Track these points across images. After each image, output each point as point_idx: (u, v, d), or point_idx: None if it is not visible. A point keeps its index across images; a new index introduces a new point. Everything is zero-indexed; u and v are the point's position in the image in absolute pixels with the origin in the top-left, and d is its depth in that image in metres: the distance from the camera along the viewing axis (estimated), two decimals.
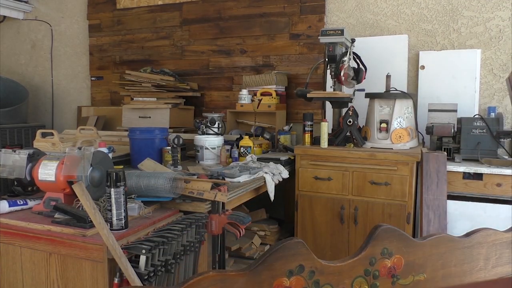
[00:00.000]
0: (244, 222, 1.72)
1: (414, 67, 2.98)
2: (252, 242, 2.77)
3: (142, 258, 1.35)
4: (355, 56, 2.71)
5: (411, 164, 2.33)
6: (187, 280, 0.79)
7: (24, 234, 1.49)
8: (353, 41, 2.68)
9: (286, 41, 3.32)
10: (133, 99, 3.39)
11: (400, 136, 2.45)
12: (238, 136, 2.93)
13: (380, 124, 2.49)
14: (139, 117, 3.30)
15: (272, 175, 2.30)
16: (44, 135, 2.37)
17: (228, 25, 3.50)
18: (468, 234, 1.10)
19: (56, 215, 1.53)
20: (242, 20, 3.45)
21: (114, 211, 1.44)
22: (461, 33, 2.87)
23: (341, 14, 3.17)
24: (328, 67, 2.66)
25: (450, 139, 2.48)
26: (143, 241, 1.40)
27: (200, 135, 2.74)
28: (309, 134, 2.64)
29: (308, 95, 2.63)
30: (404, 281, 1.01)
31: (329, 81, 2.76)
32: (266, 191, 2.27)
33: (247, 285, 0.82)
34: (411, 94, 2.55)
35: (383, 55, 2.98)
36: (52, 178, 1.61)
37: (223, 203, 1.80)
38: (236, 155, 2.62)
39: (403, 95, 2.49)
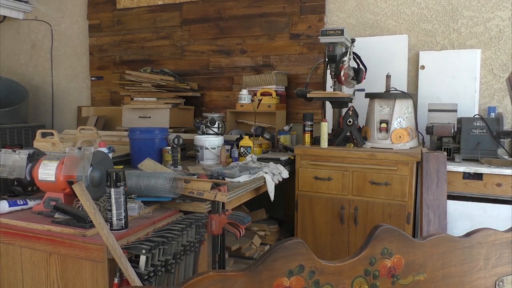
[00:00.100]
0: (244, 222, 1.72)
1: (414, 67, 2.98)
2: (252, 242, 2.77)
3: (142, 258, 1.35)
4: (355, 56, 2.71)
5: (411, 164, 2.33)
6: (187, 280, 0.79)
7: (24, 234, 1.49)
8: (353, 41, 2.68)
9: (286, 41, 3.32)
10: (133, 99, 3.39)
11: (400, 136, 2.45)
12: (238, 136, 2.93)
13: (380, 124, 2.49)
14: (139, 117, 3.31)
15: (272, 175, 2.30)
16: (44, 135, 2.36)
17: (228, 25, 3.50)
18: (468, 234, 1.10)
19: (56, 215, 1.53)
20: (242, 20, 3.45)
21: (114, 211, 1.44)
22: (461, 33, 2.87)
23: (341, 14, 3.17)
24: (328, 67, 2.66)
25: (450, 139, 2.48)
26: (143, 241, 1.40)
27: (200, 135, 2.74)
28: (309, 134, 2.64)
29: (308, 95, 2.63)
30: (404, 281, 1.01)
31: (329, 81, 2.76)
32: (266, 191, 2.27)
33: (247, 285, 0.82)
34: (411, 94, 2.55)
35: (383, 55, 2.98)
36: (52, 178, 1.61)
37: (223, 203, 1.80)
38: (236, 155, 2.62)
39: (403, 95, 2.49)
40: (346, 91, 2.79)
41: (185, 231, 1.53)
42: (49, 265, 1.47)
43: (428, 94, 2.88)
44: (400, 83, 2.90)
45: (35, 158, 1.72)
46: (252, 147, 2.65)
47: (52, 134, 2.35)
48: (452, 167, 2.30)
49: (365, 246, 0.96)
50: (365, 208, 2.44)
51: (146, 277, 1.33)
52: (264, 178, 2.24)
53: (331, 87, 2.76)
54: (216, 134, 2.77)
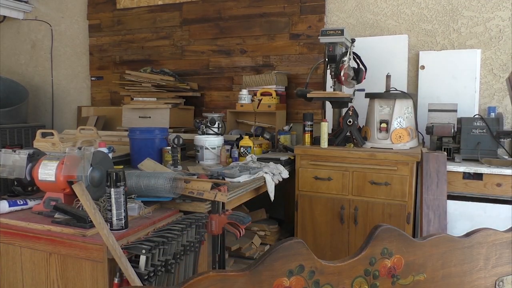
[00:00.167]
0: (244, 222, 1.72)
1: (414, 67, 2.98)
2: (252, 242, 2.77)
3: (142, 258, 1.35)
4: (355, 56, 2.71)
5: (411, 164, 2.33)
6: (187, 280, 0.79)
7: (24, 234, 1.49)
8: (353, 41, 2.68)
9: (286, 41, 3.32)
10: (133, 99, 3.39)
11: (400, 136, 2.45)
12: (238, 136, 2.93)
13: (380, 124, 2.49)
14: (139, 117, 3.31)
15: (272, 175, 2.30)
16: (44, 135, 2.36)
17: (228, 25, 3.50)
18: (468, 234, 1.10)
19: (56, 215, 1.53)
20: (242, 20, 3.45)
21: (114, 211, 1.44)
22: (461, 33, 2.87)
23: (341, 14, 3.17)
24: (328, 67, 2.66)
25: (450, 139, 2.48)
26: (143, 241, 1.40)
27: (200, 135, 2.74)
28: (309, 134, 2.64)
29: (308, 95, 2.63)
30: (404, 281, 1.01)
31: (329, 81, 2.76)
32: (266, 191, 2.27)
33: (247, 285, 0.82)
34: (411, 94, 2.55)
35: (383, 55, 2.98)
36: (52, 178, 1.61)
37: (223, 203, 1.80)
38: (236, 155, 2.62)
39: (403, 95, 2.49)
40: (346, 91, 2.79)
41: (185, 231, 1.53)
42: (49, 265, 1.47)
43: (428, 94, 2.88)
44: (400, 83, 2.90)
45: (35, 158, 1.72)
46: (252, 147, 2.65)
47: (52, 134, 2.35)
48: (452, 167, 2.30)
49: (365, 246, 0.96)
50: (365, 208, 2.44)
51: (146, 277, 1.33)
52: (264, 178, 2.24)
53: (331, 87, 2.76)
54: (216, 134, 2.77)
